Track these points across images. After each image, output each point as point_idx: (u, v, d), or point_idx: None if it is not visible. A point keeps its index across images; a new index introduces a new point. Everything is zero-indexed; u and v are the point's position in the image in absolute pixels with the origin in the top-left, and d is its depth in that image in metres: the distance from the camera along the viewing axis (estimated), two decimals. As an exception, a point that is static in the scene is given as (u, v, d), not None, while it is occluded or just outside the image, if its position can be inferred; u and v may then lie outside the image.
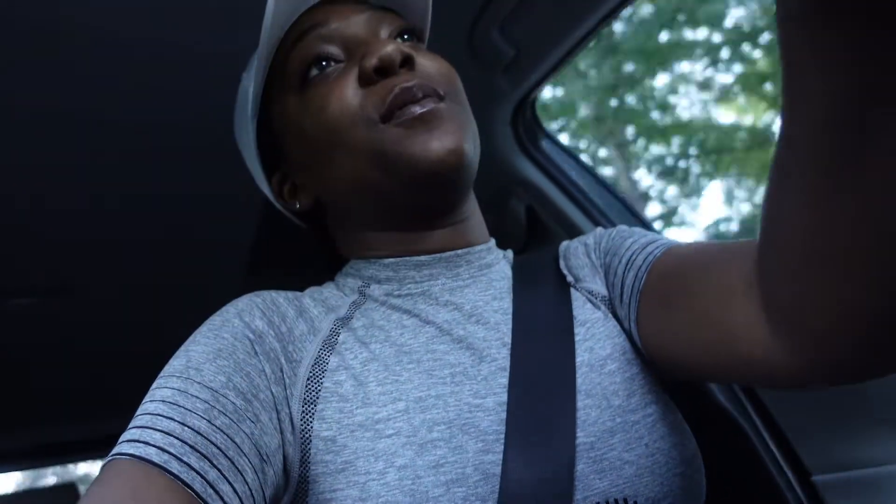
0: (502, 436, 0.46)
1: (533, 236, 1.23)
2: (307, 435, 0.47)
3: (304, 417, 0.48)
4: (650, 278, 0.52)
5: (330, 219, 0.63)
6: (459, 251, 0.58)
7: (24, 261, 1.38)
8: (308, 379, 0.49)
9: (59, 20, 0.83)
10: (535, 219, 1.23)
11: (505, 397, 0.48)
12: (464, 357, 0.51)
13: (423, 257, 0.57)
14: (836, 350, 0.38)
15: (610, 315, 0.57)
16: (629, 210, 1.18)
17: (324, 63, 0.57)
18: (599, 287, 0.58)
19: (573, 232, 1.15)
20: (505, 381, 0.49)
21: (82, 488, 2.45)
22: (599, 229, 0.64)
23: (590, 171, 1.21)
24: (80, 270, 1.46)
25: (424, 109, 0.52)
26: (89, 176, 1.16)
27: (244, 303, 0.53)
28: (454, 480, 0.43)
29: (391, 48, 0.53)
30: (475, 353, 0.51)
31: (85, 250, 1.39)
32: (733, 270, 0.45)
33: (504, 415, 0.47)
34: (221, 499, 0.40)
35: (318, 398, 0.48)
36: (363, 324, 0.55)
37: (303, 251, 0.73)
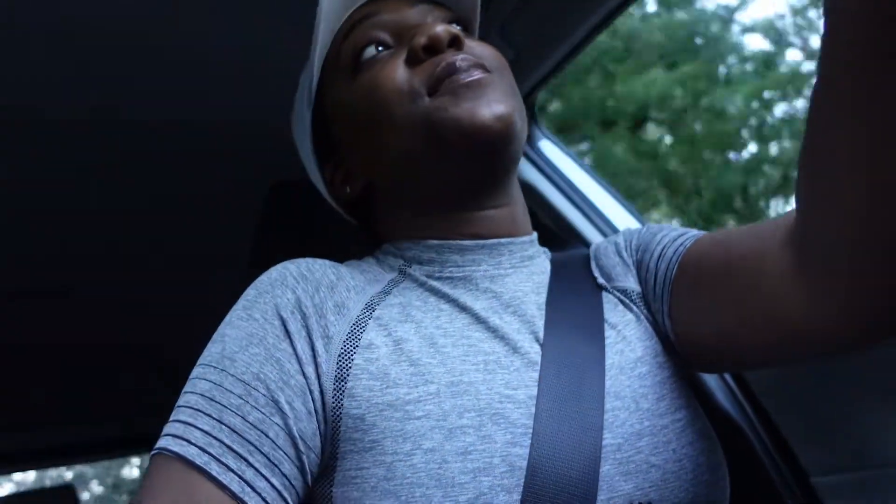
0: (530, 430, 0.46)
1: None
2: (337, 412, 0.47)
3: (335, 395, 0.48)
4: (681, 268, 0.54)
5: (378, 203, 0.63)
6: (503, 240, 0.58)
7: (26, 263, 1.38)
8: (340, 355, 0.49)
9: (59, 20, 0.83)
10: (534, 221, 1.23)
11: (534, 391, 0.48)
12: (498, 346, 0.51)
13: (466, 242, 0.57)
14: (873, 295, 0.40)
15: (642, 316, 0.57)
16: (628, 212, 1.19)
17: (375, 48, 0.58)
18: (632, 284, 0.59)
19: (572, 235, 1.15)
20: (536, 375, 0.49)
21: (80, 490, 2.45)
22: (628, 228, 0.65)
23: (589, 173, 1.21)
24: (80, 273, 1.46)
25: (472, 78, 0.53)
26: (89, 178, 1.16)
27: (278, 273, 0.53)
28: (481, 469, 0.43)
29: (440, 28, 0.55)
30: (509, 344, 0.51)
31: (86, 253, 1.39)
32: (764, 238, 0.48)
33: (533, 409, 0.47)
34: (259, 495, 0.43)
35: (348, 375, 0.48)
36: (400, 302, 0.54)
37: (304, 250, 0.73)
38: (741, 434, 0.91)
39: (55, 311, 1.58)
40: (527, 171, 1.20)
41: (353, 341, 0.50)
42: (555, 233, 1.18)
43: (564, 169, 1.20)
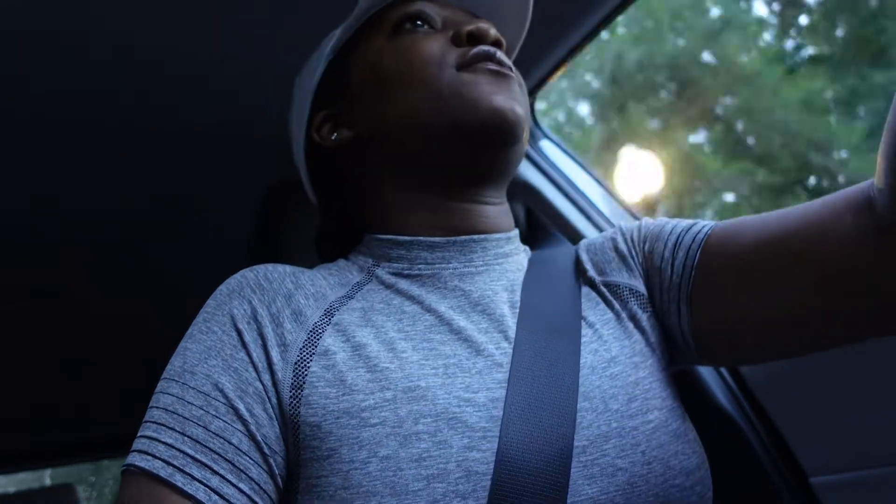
0: (490, 433, 0.45)
1: (532, 238, 1.23)
2: (295, 420, 0.47)
3: (291, 402, 0.47)
4: (705, 255, 0.54)
5: (361, 163, 0.62)
6: (476, 237, 0.58)
7: (24, 263, 1.38)
8: (296, 363, 0.49)
9: (57, 22, 0.83)
10: (534, 220, 1.23)
11: (497, 393, 0.47)
12: (460, 349, 0.50)
13: (436, 239, 0.57)
14: None
15: (624, 315, 0.56)
16: (629, 211, 1.19)
17: (420, 22, 0.60)
18: (626, 279, 0.58)
19: (572, 234, 1.15)
20: (500, 376, 0.49)
21: (80, 489, 2.45)
22: (622, 224, 0.64)
23: (589, 173, 1.21)
24: (79, 273, 1.46)
25: (501, 70, 0.56)
26: (89, 179, 1.16)
27: (235, 282, 0.54)
28: (435, 475, 0.43)
29: (487, 24, 0.58)
30: (472, 345, 0.51)
31: (84, 253, 1.39)
32: (825, 211, 0.48)
33: (494, 411, 0.46)
34: (227, 501, 0.44)
35: (304, 383, 0.48)
36: (362, 306, 0.54)
37: (304, 251, 0.73)
38: (739, 434, 0.91)
39: (55, 312, 1.58)
40: (527, 170, 1.20)
41: (309, 348, 0.50)
42: (556, 233, 1.18)
43: (565, 168, 1.20)
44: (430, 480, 0.43)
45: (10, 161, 1.09)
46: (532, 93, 1.10)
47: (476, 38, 0.57)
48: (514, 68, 0.59)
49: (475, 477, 0.43)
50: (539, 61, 1.00)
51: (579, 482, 0.45)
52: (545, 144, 1.22)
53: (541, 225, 1.21)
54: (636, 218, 1.18)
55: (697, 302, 0.54)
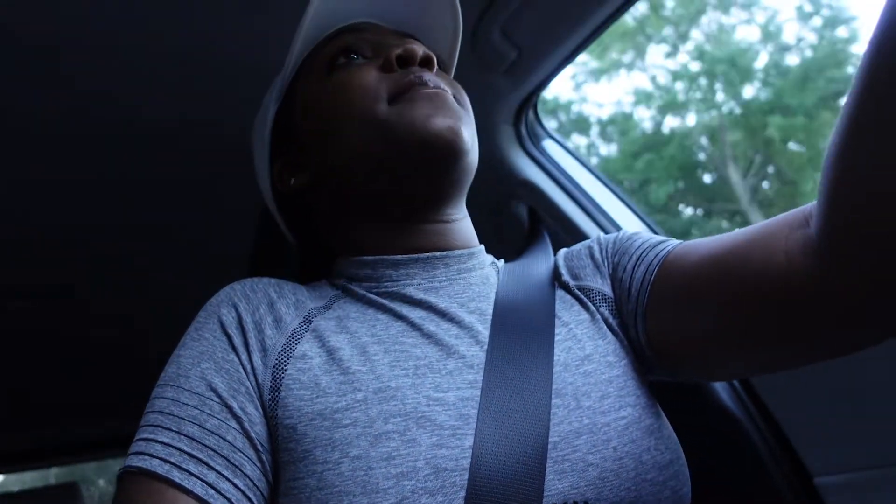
0: (460, 431, 0.46)
1: (534, 237, 1.22)
2: (274, 422, 0.49)
3: (270, 405, 0.49)
4: (662, 272, 0.54)
5: (322, 202, 0.64)
6: (437, 254, 0.60)
7: (26, 263, 1.38)
8: (275, 367, 0.51)
9: (60, 28, 0.84)
10: (536, 220, 1.23)
11: (468, 393, 0.49)
12: (431, 351, 0.52)
13: (399, 257, 0.59)
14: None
15: (598, 316, 0.58)
16: (632, 211, 1.18)
17: (352, 55, 0.62)
18: (598, 285, 0.60)
19: (574, 233, 1.15)
20: (471, 377, 0.50)
21: (84, 487, 2.45)
22: (602, 234, 0.66)
23: (592, 172, 1.21)
24: (80, 274, 1.46)
25: (432, 91, 0.57)
26: (91, 180, 1.17)
27: (224, 294, 0.56)
28: (404, 474, 0.44)
29: (416, 45, 0.59)
30: (444, 348, 0.52)
31: (86, 253, 1.39)
32: (769, 228, 0.48)
33: (464, 410, 0.47)
34: (223, 496, 0.45)
35: (281, 385, 0.50)
36: (338, 315, 0.56)
37: (300, 266, 0.73)
38: (743, 435, 0.91)
39: (56, 311, 1.58)
40: (530, 170, 1.20)
41: (287, 353, 0.52)
42: (558, 232, 1.18)
43: (568, 168, 1.19)
44: (399, 478, 0.43)
45: (11, 161, 1.09)
46: (534, 93, 1.09)
47: (405, 60, 0.58)
48: (451, 83, 0.60)
49: (444, 474, 0.44)
50: (540, 62, 1.00)
51: (550, 477, 0.46)
52: (548, 144, 1.22)
53: (543, 225, 1.21)
54: (639, 216, 1.18)
55: (651, 317, 0.55)
